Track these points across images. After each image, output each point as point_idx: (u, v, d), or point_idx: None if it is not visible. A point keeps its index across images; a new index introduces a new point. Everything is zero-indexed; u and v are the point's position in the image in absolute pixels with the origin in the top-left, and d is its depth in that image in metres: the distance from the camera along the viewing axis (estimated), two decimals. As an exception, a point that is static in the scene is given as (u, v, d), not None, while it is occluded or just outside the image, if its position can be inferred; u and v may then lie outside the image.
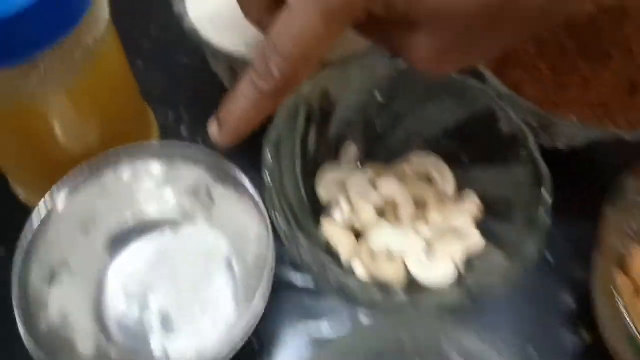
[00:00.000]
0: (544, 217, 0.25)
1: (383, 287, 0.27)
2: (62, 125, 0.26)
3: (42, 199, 0.26)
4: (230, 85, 0.34)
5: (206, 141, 0.34)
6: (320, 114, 0.29)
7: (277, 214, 0.25)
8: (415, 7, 0.19)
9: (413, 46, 0.21)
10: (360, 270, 0.28)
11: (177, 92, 0.37)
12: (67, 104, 0.25)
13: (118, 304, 0.29)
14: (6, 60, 0.21)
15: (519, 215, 0.26)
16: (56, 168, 0.27)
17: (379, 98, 0.30)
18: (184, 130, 0.36)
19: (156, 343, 0.28)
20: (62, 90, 0.24)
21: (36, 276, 0.25)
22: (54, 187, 0.26)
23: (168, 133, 0.35)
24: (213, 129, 0.23)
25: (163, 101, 0.37)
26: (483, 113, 0.28)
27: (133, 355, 0.28)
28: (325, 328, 0.30)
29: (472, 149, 0.30)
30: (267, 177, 0.25)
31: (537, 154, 0.26)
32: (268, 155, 0.26)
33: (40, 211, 0.26)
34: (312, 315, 0.30)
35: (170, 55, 0.39)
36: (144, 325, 0.28)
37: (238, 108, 0.22)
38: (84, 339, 0.27)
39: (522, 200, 0.26)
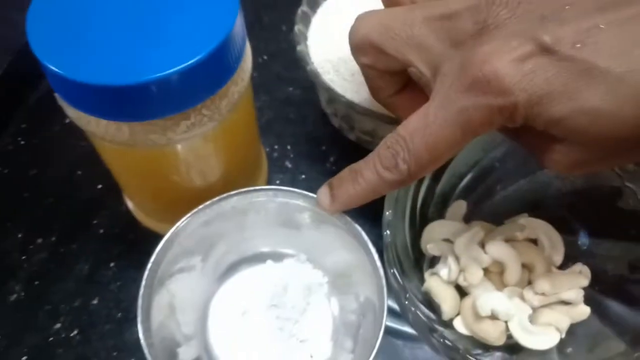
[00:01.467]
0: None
1: (482, 345, 0.28)
2: (193, 166, 0.27)
3: (170, 230, 0.27)
4: (339, 126, 0.35)
5: (309, 178, 0.36)
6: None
7: (394, 270, 0.25)
8: (556, 127, 0.18)
9: (551, 154, 0.20)
10: (461, 328, 0.28)
11: (284, 125, 0.38)
12: (203, 148, 0.26)
13: (219, 327, 0.30)
14: (170, 111, 0.22)
15: (640, 300, 0.25)
16: (181, 203, 0.28)
17: (495, 161, 0.30)
18: (288, 164, 0.37)
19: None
20: (202, 137, 0.25)
21: (156, 291, 0.27)
22: (180, 221, 0.27)
23: (273, 165, 0.36)
24: (324, 198, 0.25)
25: (269, 131, 0.38)
26: (605, 186, 0.28)
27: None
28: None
29: (587, 220, 0.29)
30: (387, 231, 0.26)
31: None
32: (389, 211, 0.26)
33: (168, 238, 0.27)
34: (401, 359, 0.31)
35: (278, 84, 0.40)
36: (241, 349, 0.30)
37: (355, 189, 0.23)
38: (187, 348, 0.28)
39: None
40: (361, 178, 0.23)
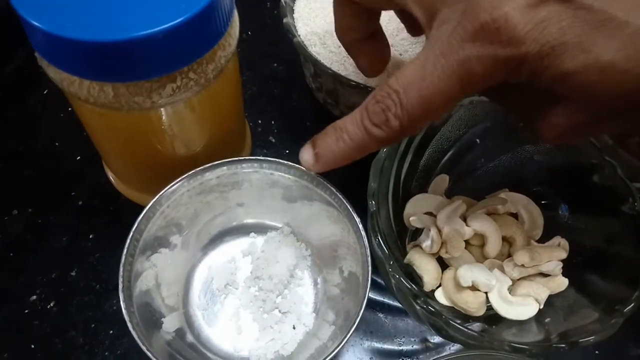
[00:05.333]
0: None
1: (462, 315, 0.28)
2: (177, 134, 0.27)
3: (152, 201, 0.27)
4: (324, 101, 0.35)
5: (292, 153, 0.36)
6: (419, 142, 0.30)
7: (379, 238, 0.25)
8: (563, 83, 0.17)
9: (547, 118, 0.19)
10: (442, 298, 0.29)
11: (268, 100, 0.38)
12: (188, 114, 0.26)
13: (201, 299, 0.30)
14: (156, 72, 0.22)
15: (617, 270, 0.26)
16: (163, 172, 0.28)
17: (476, 137, 0.30)
18: (272, 138, 0.37)
19: (233, 339, 0.29)
20: (187, 102, 0.25)
21: (138, 260, 0.27)
22: (164, 189, 0.27)
23: (257, 139, 0.36)
24: (307, 157, 0.23)
25: (253, 106, 0.38)
26: (583, 161, 0.28)
27: (207, 345, 0.29)
28: (393, 345, 0.31)
29: (565, 194, 0.30)
30: (372, 201, 0.26)
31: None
32: (374, 182, 0.26)
33: (151, 206, 0.27)
34: (382, 331, 0.31)
35: (262, 59, 0.40)
36: (223, 321, 0.30)
37: (339, 148, 0.22)
38: (170, 319, 0.28)
39: (621, 255, 0.26)
40: (346, 135, 0.21)
